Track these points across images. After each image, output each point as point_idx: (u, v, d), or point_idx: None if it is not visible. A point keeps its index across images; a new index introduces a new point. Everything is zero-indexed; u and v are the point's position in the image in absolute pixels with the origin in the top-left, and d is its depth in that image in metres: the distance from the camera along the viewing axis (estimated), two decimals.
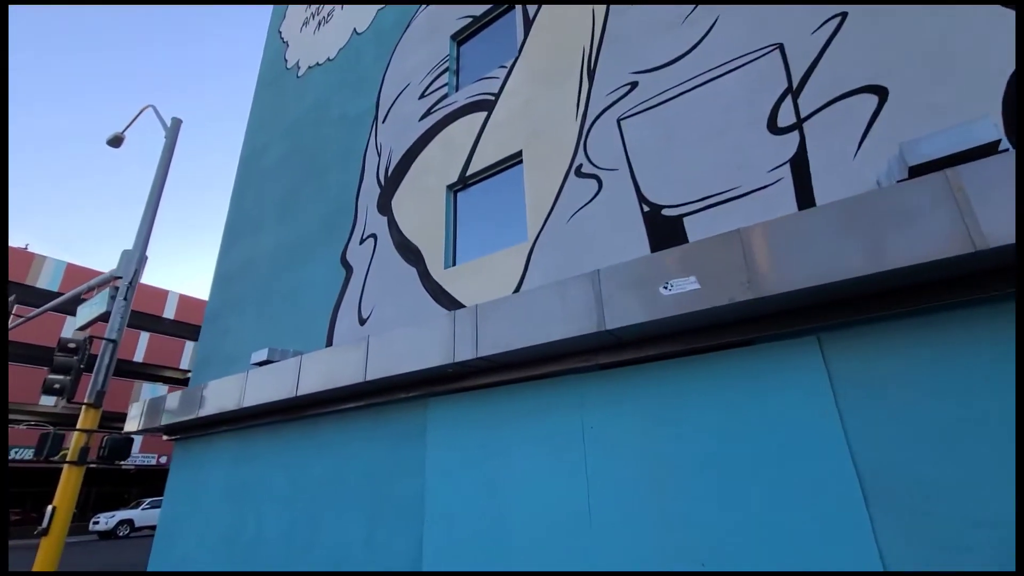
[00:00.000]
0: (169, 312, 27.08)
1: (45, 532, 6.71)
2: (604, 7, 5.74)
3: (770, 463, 3.27)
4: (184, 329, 27.44)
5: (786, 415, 3.32)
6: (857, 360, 3.16)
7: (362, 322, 6.55)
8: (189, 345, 26.88)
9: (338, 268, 7.36)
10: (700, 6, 4.90)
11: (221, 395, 6.53)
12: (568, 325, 3.84)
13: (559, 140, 5.50)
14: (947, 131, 2.98)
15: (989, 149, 2.87)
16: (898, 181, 3.13)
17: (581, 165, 5.20)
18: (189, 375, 23.80)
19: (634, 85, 5.11)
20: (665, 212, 4.44)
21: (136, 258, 8.41)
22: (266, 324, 8.05)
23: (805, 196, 3.79)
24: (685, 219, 4.32)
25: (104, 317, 8.09)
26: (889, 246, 2.78)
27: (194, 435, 7.56)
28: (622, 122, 5.05)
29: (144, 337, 25.55)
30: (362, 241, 7.26)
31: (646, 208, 4.57)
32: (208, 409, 6.57)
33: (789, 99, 4.09)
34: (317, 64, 10.31)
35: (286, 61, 11.54)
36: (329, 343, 6.81)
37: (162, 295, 27.00)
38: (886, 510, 2.84)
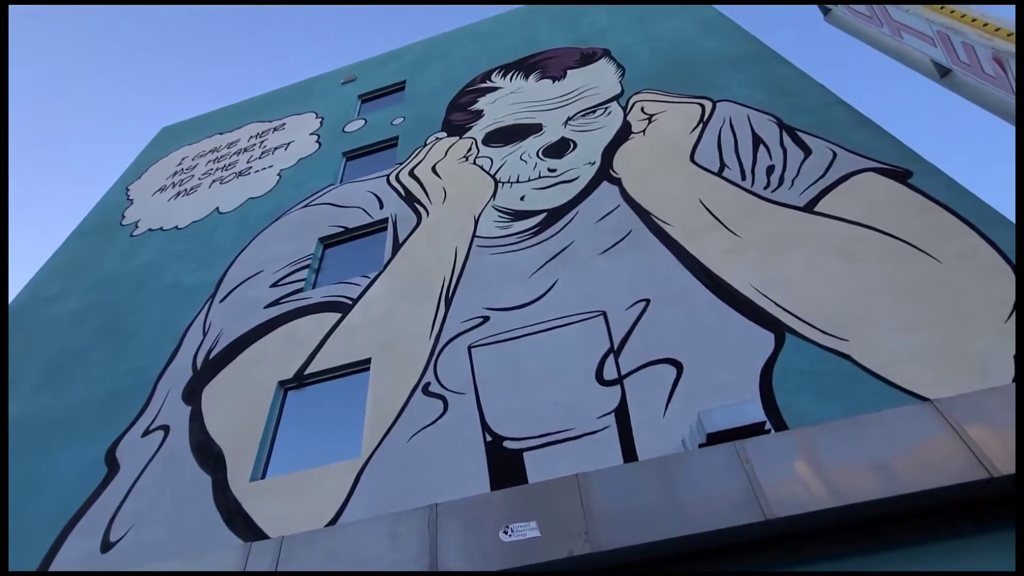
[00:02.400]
0: None
1: None
2: (466, 248, 6.61)
3: None
4: None
5: None
6: None
7: (107, 547, 4.86)
8: None
9: (98, 465, 5.70)
10: (545, 266, 5.92)
11: None
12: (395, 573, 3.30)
13: (411, 355, 5.57)
14: (730, 407, 3.70)
15: (758, 428, 3.60)
16: (700, 445, 3.68)
17: (429, 384, 5.23)
18: None
19: (486, 319, 5.64)
20: (507, 444, 4.49)
21: None
22: None
23: (628, 446, 4.20)
24: (525, 453, 4.40)
25: None
26: (698, 510, 3.09)
27: None
28: (472, 349, 5.37)
29: None
30: (146, 433, 5.89)
31: (489, 438, 4.59)
32: None
33: (612, 358, 4.83)
34: (161, 229, 9.66)
35: (123, 217, 10.64)
36: None
37: None
38: None
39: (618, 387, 4.57)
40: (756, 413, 3.62)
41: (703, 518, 3.12)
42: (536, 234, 6.34)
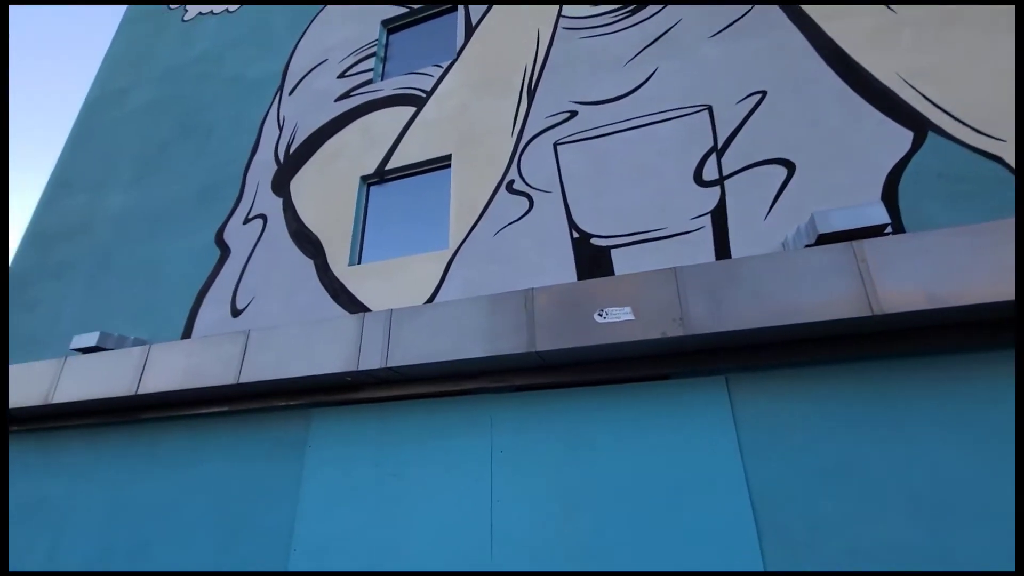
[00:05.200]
0: None
1: None
2: (550, 31, 5.82)
3: (675, 496, 3.37)
4: None
5: (692, 450, 3.47)
6: (760, 402, 3.43)
7: (236, 314, 5.62)
8: None
9: (211, 247, 6.29)
10: (643, 52, 5.19)
11: (23, 385, 5.08)
12: (494, 343, 3.65)
13: (493, 152, 5.37)
14: (850, 208, 3.43)
15: (879, 230, 3.36)
16: (806, 246, 3.53)
17: (513, 181, 5.12)
18: None
19: (573, 114, 5.21)
20: (594, 241, 4.51)
21: None
22: (99, 302, 6.54)
23: (722, 247, 4.11)
24: (612, 250, 4.43)
25: None
26: (801, 303, 3.08)
27: None
28: (559, 147, 5.09)
29: None
30: (247, 221, 6.31)
31: (576, 235, 4.60)
32: None
33: (714, 157, 4.46)
34: (212, 13, 8.99)
35: None
36: (187, 334, 5.72)
37: None
38: (776, 543, 3.07)
39: (718, 188, 4.31)
40: (879, 215, 3.34)
41: (805, 310, 3.13)
42: (634, 12, 5.42)
